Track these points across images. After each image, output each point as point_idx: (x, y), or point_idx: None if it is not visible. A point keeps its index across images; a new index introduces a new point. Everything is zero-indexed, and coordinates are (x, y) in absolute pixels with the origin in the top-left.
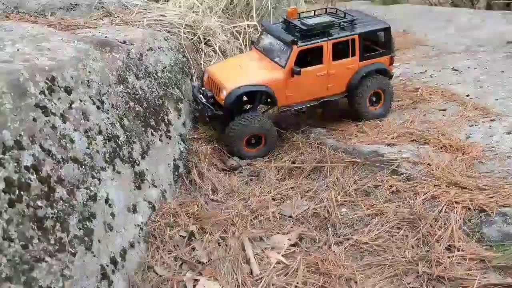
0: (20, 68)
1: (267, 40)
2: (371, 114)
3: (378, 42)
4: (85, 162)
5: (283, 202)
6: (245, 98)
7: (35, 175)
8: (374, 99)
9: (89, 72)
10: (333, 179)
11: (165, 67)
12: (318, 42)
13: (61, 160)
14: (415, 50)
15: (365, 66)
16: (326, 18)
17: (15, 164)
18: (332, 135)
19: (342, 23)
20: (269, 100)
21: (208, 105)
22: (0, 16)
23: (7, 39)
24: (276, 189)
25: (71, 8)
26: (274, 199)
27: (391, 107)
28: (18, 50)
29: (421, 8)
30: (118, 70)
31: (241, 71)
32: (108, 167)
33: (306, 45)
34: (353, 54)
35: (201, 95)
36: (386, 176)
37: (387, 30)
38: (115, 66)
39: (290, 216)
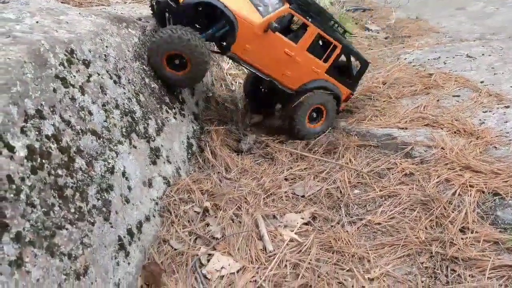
0: (41, 39)
1: None
2: (306, 130)
3: (350, 72)
4: (103, 135)
5: (295, 182)
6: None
7: (55, 144)
8: (314, 115)
9: (107, 46)
10: (346, 161)
11: None
12: (308, 20)
13: (80, 131)
14: (427, 37)
15: (326, 80)
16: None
17: (37, 132)
18: (345, 118)
19: (337, 26)
20: (225, 40)
21: None
22: None
23: (26, 11)
24: (288, 169)
25: None
26: (286, 179)
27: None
28: (37, 22)
29: None
30: (134, 46)
31: None
32: (125, 141)
33: (296, 12)
34: (326, 61)
35: None
36: (400, 159)
37: (365, 65)
38: (131, 42)
39: (303, 196)
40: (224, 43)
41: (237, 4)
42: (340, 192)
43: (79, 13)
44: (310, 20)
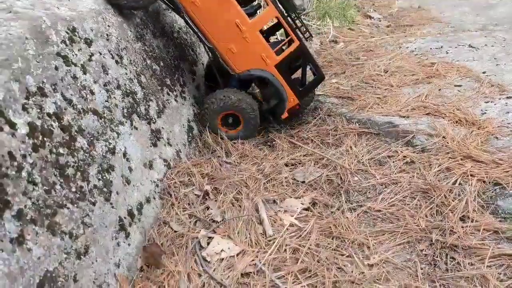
0: (42, 16)
1: None
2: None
3: (302, 79)
4: (104, 115)
5: (296, 168)
6: None
7: (57, 123)
8: (230, 120)
9: (109, 26)
10: (346, 148)
11: (181, 28)
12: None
13: (81, 110)
14: (430, 26)
15: (273, 75)
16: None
17: (38, 110)
18: (346, 105)
19: (301, 25)
20: None
21: None
22: None
23: None
24: (289, 155)
25: None
26: (286, 165)
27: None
28: None
29: None
30: (136, 27)
31: None
32: (126, 122)
33: None
34: (278, 54)
35: None
36: (401, 147)
37: (319, 78)
38: (133, 22)
39: (303, 182)
40: None
41: None
42: (341, 178)
43: None
44: (272, 1)
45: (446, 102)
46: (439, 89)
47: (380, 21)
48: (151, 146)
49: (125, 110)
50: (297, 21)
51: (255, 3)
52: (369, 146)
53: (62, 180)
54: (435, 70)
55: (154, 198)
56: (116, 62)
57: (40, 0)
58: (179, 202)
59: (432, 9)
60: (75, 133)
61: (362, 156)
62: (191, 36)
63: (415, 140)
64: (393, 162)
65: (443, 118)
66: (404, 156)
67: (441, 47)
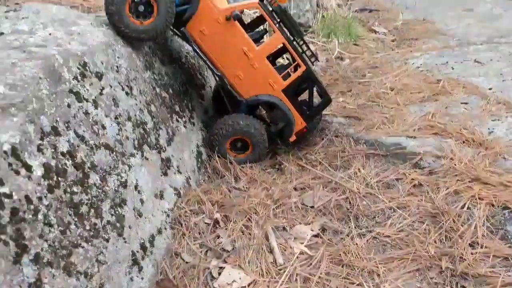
0: (55, 53)
1: None
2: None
3: (309, 102)
4: (116, 149)
5: (304, 192)
6: None
7: (70, 161)
8: (239, 144)
9: (118, 57)
10: (354, 170)
11: (188, 53)
12: (275, 24)
13: (93, 146)
14: (435, 39)
15: (281, 100)
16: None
17: (53, 150)
18: (353, 125)
19: (306, 49)
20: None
21: None
22: None
23: (38, 23)
24: (297, 179)
25: None
26: (295, 189)
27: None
28: (50, 34)
29: None
30: (145, 56)
31: None
32: (137, 154)
33: (265, 11)
34: (285, 79)
35: None
36: (408, 169)
37: (326, 101)
38: (142, 52)
39: (312, 207)
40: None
41: None
42: (350, 203)
43: (91, 23)
44: (277, 25)
45: (453, 120)
46: (446, 107)
47: (385, 35)
48: (161, 176)
49: (136, 142)
50: (303, 45)
51: (261, 28)
52: (377, 168)
53: (76, 219)
54: (441, 87)
55: (165, 228)
56: (126, 93)
57: (52, 35)
58: (189, 232)
59: (436, 21)
60: (88, 170)
61: (371, 178)
62: (199, 60)
63: (422, 162)
64: (401, 185)
65: (450, 138)
66: (412, 179)
67: (447, 62)
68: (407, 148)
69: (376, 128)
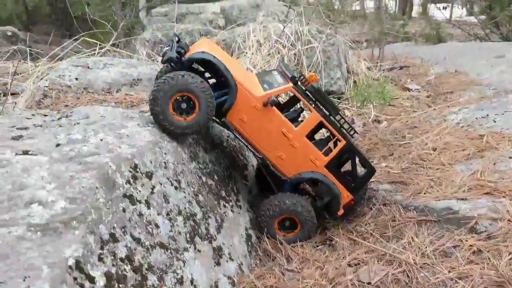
0: (108, 161)
1: (269, 75)
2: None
3: (353, 174)
4: (170, 246)
5: (359, 267)
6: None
7: (129, 266)
8: (287, 223)
9: (165, 153)
10: (407, 240)
11: (228, 136)
12: (311, 104)
13: (149, 247)
14: (470, 91)
15: (324, 175)
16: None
17: (112, 257)
18: (400, 191)
19: (343, 122)
20: (223, 107)
21: (176, 53)
22: (72, 98)
23: (90, 130)
24: (350, 254)
25: (134, 84)
26: (350, 265)
27: None
28: (101, 140)
29: (468, 45)
30: (189, 147)
31: (226, 57)
32: (189, 247)
33: (299, 93)
34: (326, 154)
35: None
36: (464, 235)
37: (371, 172)
38: (186, 144)
39: (369, 283)
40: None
41: (243, 75)
42: (407, 276)
43: (137, 124)
44: (313, 105)
45: (504, 177)
46: (494, 163)
47: (419, 91)
48: (214, 266)
49: (187, 235)
50: (340, 120)
51: (297, 106)
52: (431, 236)
53: None
54: (485, 142)
55: None
56: (175, 188)
57: (103, 141)
58: None
59: (469, 71)
60: (146, 272)
61: (426, 247)
62: (239, 141)
63: (478, 226)
64: (459, 252)
65: (504, 197)
66: (470, 245)
67: (487, 115)
68: (460, 212)
69: (424, 193)
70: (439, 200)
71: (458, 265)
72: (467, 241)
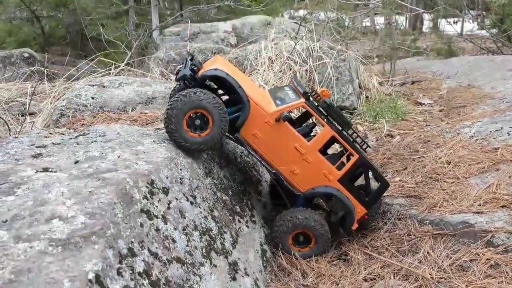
0: (125, 177)
1: (282, 91)
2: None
3: (367, 188)
4: (186, 261)
5: (375, 283)
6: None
7: (147, 280)
8: (301, 238)
9: (181, 169)
10: (423, 254)
11: (242, 151)
12: (323, 119)
13: (166, 261)
14: (483, 104)
15: (338, 190)
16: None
17: (131, 271)
18: (415, 205)
19: (356, 136)
20: (236, 123)
21: (190, 71)
22: (89, 117)
23: (107, 147)
24: (366, 269)
25: (149, 102)
26: (365, 280)
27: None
28: (118, 157)
29: (481, 59)
30: (204, 163)
31: (239, 74)
32: (205, 262)
33: (312, 108)
34: (339, 168)
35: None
36: (481, 248)
37: (384, 186)
38: (201, 159)
39: None
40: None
41: (255, 91)
42: None
43: (153, 141)
44: (325, 120)
45: None
46: (509, 176)
47: (431, 106)
48: (230, 281)
49: (203, 250)
50: (353, 134)
51: (309, 121)
52: (448, 250)
53: None
54: (500, 155)
55: None
56: (191, 203)
57: (120, 157)
58: None
59: (482, 85)
60: (163, 286)
61: (442, 262)
62: (253, 157)
63: (495, 240)
64: (477, 266)
65: None
66: (487, 259)
67: (501, 128)
68: (476, 226)
69: (439, 207)
70: (454, 213)
71: (475, 279)
72: (484, 254)
